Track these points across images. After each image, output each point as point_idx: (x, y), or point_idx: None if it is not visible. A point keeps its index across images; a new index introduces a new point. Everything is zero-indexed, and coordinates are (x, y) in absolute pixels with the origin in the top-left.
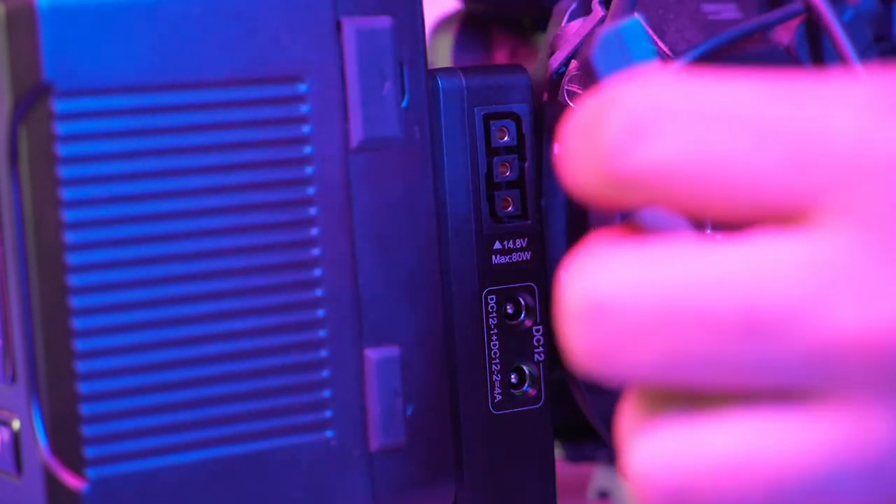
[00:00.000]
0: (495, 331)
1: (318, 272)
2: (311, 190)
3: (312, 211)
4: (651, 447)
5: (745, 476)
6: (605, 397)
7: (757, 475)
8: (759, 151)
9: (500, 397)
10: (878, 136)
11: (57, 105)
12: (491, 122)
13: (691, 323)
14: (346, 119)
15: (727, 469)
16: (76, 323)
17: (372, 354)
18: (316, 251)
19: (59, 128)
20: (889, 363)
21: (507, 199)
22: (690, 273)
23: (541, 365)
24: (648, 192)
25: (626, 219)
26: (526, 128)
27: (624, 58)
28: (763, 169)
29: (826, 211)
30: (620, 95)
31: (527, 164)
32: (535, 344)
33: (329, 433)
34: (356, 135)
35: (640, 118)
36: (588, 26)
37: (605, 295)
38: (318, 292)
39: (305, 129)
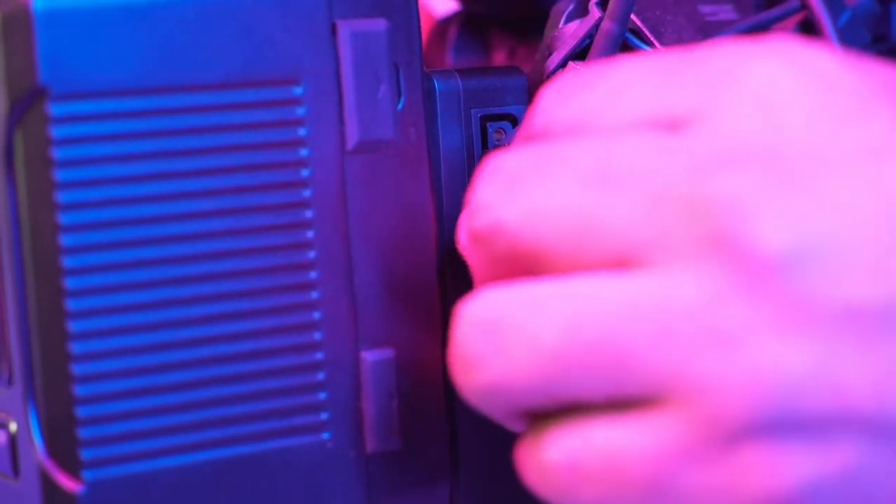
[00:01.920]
0: None
1: (313, 274)
2: (306, 192)
3: (308, 213)
4: (476, 302)
5: (545, 312)
6: None
7: (555, 312)
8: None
9: None
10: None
11: (53, 108)
12: (488, 123)
13: (552, 172)
14: (341, 121)
15: (534, 305)
16: (72, 325)
17: (368, 357)
18: (312, 254)
19: (55, 131)
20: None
21: None
22: (556, 146)
23: None
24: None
25: None
26: None
27: None
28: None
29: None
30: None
31: None
32: None
33: (325, 435)
34: (352, 137)
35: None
36: (585, 28)
37: (499, 161)
38: (314, 295)
39: (301, 131)
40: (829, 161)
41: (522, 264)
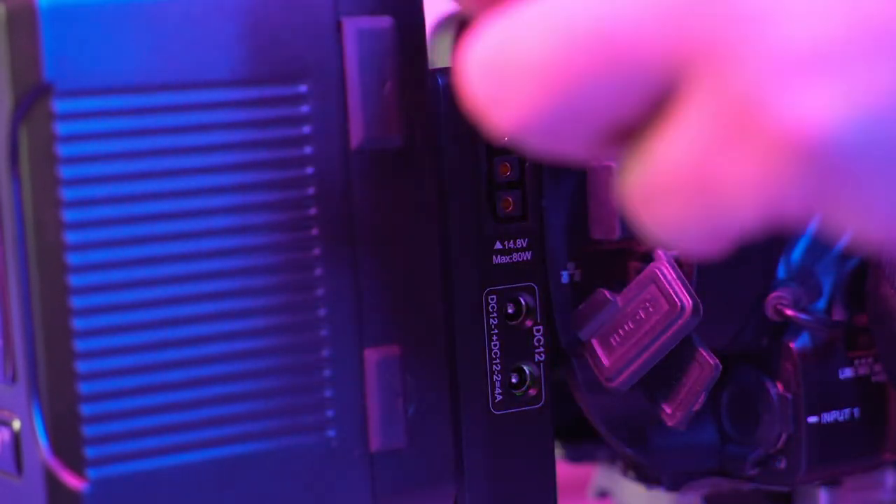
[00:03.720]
0: (496, 331)
1: (318, 272)
2: (311, 190)
3: (312, 211)
4: (477, 42)
5: (539, 30)
6: (606, 397)
7: (548, 25)
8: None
9: (501, 397)
10: None
11: (57, 105)
12: None
13: None
14: (346, 119)
15: (528, 26)
16: (77, 323)
17: (372, 355)
18: (316, 251)
19: (60, 128)
20: None
21: (507, 200)
22: None
23: (541, 365)
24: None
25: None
26: None
27: None
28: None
29: None
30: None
31: (527, 165)
32: (536, 344)
33: (330, 433)
34: (356, 135)
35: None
36: None
37: None
38: (319, 292)
39: (306, 129)
40: None
41: None
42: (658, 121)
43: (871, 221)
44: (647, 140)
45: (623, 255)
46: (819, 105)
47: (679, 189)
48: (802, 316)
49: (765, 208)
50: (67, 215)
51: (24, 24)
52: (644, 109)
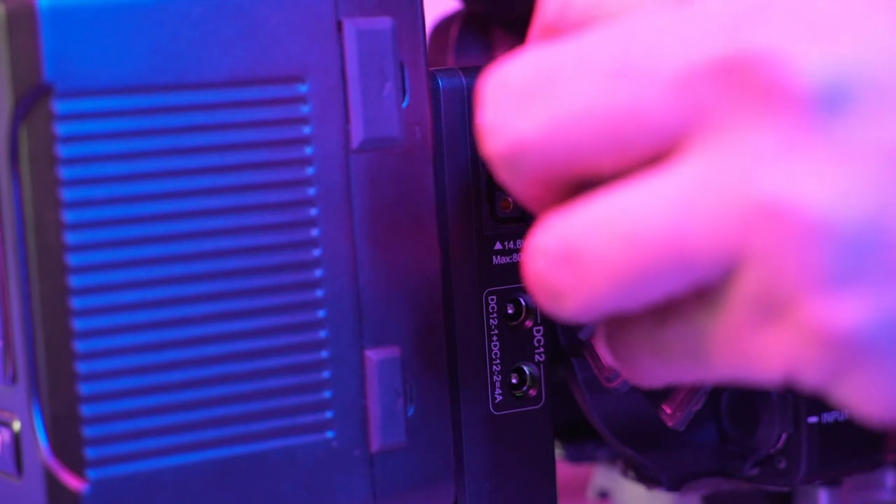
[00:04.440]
0: (496, 331)
1: (318, 273)
2: (311, 191)
3: (313, 212)
4: (542, 234)
5: (609, 232)
6: (606, 397)
7: (618, 230)
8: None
9: (501, 398)
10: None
11: (57, 106)
12: None
13: (567, 78)
14: (346, 120)
15: (598, 228)
16: (77, 324)
17: (373, 355)
18: (317, 252)
19: (60, 128)
20: (748, 72)
21: (507, 200)
22: (566, 48)
23: (541, 365)
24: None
25: None
26: None
27: None
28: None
29: None
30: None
31: None
32: (536, 344)
33: (330, 434)
34: (357, 135)
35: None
36: None
37: (504, 74)
38: (319, 293)
39: (306, 129)
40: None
41: (561, 178)
42: (700, 300)
43: (873, 400)
44: (689, 311)
45: None
46: (851, 310)
47: (710, 353)
48: None
49: (781, 376)
50: (68, 216)
51: (24, 24)
52: (689, 290)
